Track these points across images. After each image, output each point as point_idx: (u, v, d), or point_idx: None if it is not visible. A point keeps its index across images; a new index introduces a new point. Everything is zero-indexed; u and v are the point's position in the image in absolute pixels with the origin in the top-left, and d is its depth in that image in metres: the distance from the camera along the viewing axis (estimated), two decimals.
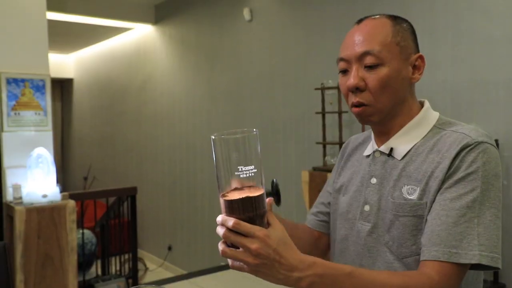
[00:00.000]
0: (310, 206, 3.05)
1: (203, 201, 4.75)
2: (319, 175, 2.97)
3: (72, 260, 3.03)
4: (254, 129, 0.80)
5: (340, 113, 3.00)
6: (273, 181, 1.09)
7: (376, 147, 1.06)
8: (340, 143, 3.00)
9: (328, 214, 1.19)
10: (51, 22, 3.66)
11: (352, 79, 0.98)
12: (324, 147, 3.13)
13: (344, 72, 1.01)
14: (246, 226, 0.76)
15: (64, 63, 7.76)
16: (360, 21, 1.03)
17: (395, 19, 1.00)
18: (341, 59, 1.01)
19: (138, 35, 5.82)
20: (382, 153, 1.04)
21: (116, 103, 6.51)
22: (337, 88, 2.99)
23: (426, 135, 0.99)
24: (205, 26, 4.64)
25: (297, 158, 3.60)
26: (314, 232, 1.20)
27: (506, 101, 2.37)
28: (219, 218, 0.79)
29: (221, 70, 4.46)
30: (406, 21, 1.02)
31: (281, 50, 3.76)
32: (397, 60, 0.97)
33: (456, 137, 0.93)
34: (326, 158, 3.11)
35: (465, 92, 2.53)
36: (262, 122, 3.95)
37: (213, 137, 0.78)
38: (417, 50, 1.02)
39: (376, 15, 1.02)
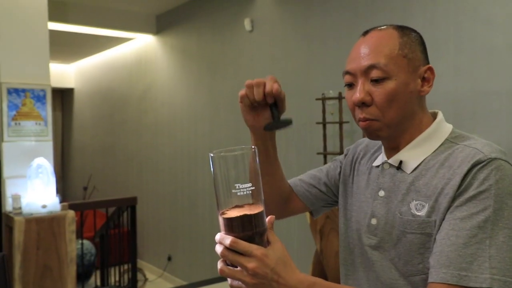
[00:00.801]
0: (310, 217, 3.03)
1: (203, 211, 4.73)
2: None
3: (71, 271, 3.01)
4: (253, 146, 0.79)
5: (341, 123, 2.99)
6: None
7: (385, 158, 1.03)
8: (341, 153, 2.99)
9: (316, 190, 1.19)
10: (52, 32, 3.67)
11: (358, 94, 0.95)
12: (325, 157, 3.12)
13: (350, 85, 0.98)
14: (244, 245, 0.75)
15: (65, 73, 7.78)
16: (366, 32, 0.99)
17: (402, 30, 0.97)
18: (347, 73, 0.98)
19: (139, 45, 5.84)
20: (391, 165, 1.00)
21: (116, 112, 6.51)
22: (338, 98, 2.99)
23: (437, 148, 0.95)
24: (206, 36, 4.65)
25: (298, 168, 3.59)
26: (293, 193, 1.19)
27: (508, 111, 2.36)
28: (217, 236, 0.78)
29: (222, 80, 4.46)
30: (415, 31, 0.99)
31: (282, 60, 3.76)
32: (404, 73, 0.93)
33: (468, 152, 0.89)
34: None
35: (467, 102, 2.52)
36: None
37: (212, 155, 0.78)
38: (426, 61, 0.98)
39: (383, 26, 0.99)
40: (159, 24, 5.40)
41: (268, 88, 1.00)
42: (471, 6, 2.50)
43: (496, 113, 2.41)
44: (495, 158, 0.86)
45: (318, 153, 3.16)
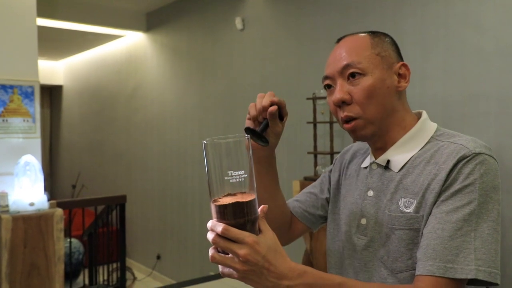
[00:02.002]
0: None
1: (193, 209, 4.71)
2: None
3: (59, 270, 2.98)
4: (246, 134, 0.80)
5: (331, 123, 3.00)
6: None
7: (373, 159, 1.05)
8: (332, 153, 3.00)
9: (313, 208, 1.18)
10: (41, 28, 3.63)
11: (337, 94, 0.98)
12: (316, 157, 3.13)
13: (329, 87, 1.02)
14: (235, 232, 0.75)
15: (53, 70, 7.71)
16: (339, 40, 1.05)
17: (373, 33, 1.02)
18: (326, 77, 1.02)
19: (129, 42, 5.80)
20: (379, 165, 1.02)
21: (106, 110, 6.47)
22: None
23: (423, 146, 0.98)
24: (197, 35, 4.63)
25: (288, 167, 3.59)
26: (293, 216, 1.19)
27: (497, 113, 2.38)
28: (209, 224, 0.79)
29: (213, 79, 4.45)
30: (386, 34, 1.03)
31: (273, 59, 3.76)
32: (379, 70, 0.97)
33: (453, 148, 0.91)
34: (318, 168, 3.10)
35: (456, 104, 2.54)
36: None
37: (205, 142, 0.78)
38: (400, 59, 1.02)
39: (355, 33, 1.03)
40: (149, 22, 5.37)
41: (258, 105, 1.04)
42: (461, 9, 2.52)
43: (485, 115, 2.43)
44: (479, 153, 0.88)
45: (309, 153, 3.17)
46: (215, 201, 0.78)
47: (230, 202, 0.77)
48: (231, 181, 0.77)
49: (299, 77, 3.52)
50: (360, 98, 0.96)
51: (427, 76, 2.65)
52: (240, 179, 0.77)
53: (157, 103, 5.28)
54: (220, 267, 0.79)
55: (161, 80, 5.21)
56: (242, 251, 0.75)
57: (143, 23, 5.40)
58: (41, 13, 4.07)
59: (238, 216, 0.77)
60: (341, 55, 0.99)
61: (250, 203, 0.78)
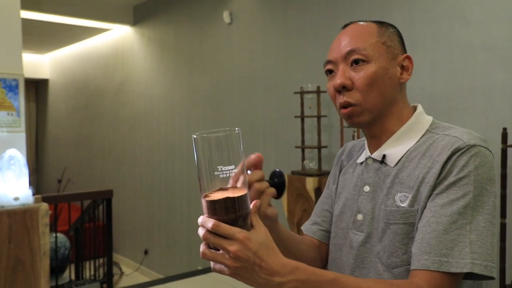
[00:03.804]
0: (288, 210, 3.05)
1: (181, 204, 4.70)
2: (297, 179, 2.96)
3: (44, 265, 2.95)
4: (236, 128, 0.78)
5: (319, 117, 3.00)
6: (275, 171, 1.05)
7: (369, 154, 1.03)
8: (319, 147, 3.00)
9: (327, 222, 1.16)
10: (25, 21, 3.58)
11: (338, 78, 0.96)
12: (303, 151, 3.13)
13: (331, 72, 1.00)
14: (226, 228, 0.74)
15: (39, 63, 7.61)
16: (346, 25, 1.02)
17: (381, 23, 1.00)
18: (328, 62, 1.00)
19: (116, 36, 5.75)
20: (375, 160, 1.01)
21: (92, 104, 6.41)
22: (317, 92, 2.99)
23: (419, 140, 0.97)
24: (184, 28, 4.60)
25: (276, 162, 3.59)
26: (314, 240, 1.17)
27: (482, 107, 2.40)
28: (200, 219, 0.77)
29: (200, 73, 4.43)
30: (393, 26, 1.02)
31: (261, 53, 3.75)
32: (383, 59, 0.95)
33: (448, 140, 0.90)
34: (305, 162, 3.11)
35: (443, 98, 2.56)
36: (242, 126, 3.93)
37: (195, 136, 0.76)
38: (404, 51, 1.01)
39: (362, 21, 1.02)
40: (136, 15, 5.32)
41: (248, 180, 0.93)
42: (448, 4, 2.53)
43: (471, 109, 2.45)
44: (474, 145, 0.87)
45: (297, 147, 3.17)
46: (205, 196, 0.77)
47: (221, 197, 0.75)
48: (221, 176, 0.75)
49: (287, 71, 3.52)
50: (361, 85, 0.94)
51: (414, 70, 2.65)
52: (230, 174, 0.76)
53: (145, 97, 5.25)
54: (211, 263, 0.78)
55: (149, 74, 5.17)
56: (232, 247, 0.73)
57: (130, 17, 5.35)
58: (26, 6, 4.01)
59: (229, 211, 0.75)
60: (346, 40, 0.97)
61: (241, 198, 0.76)
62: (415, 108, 1.03)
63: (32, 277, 2.91)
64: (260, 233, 0.77)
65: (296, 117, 3.15)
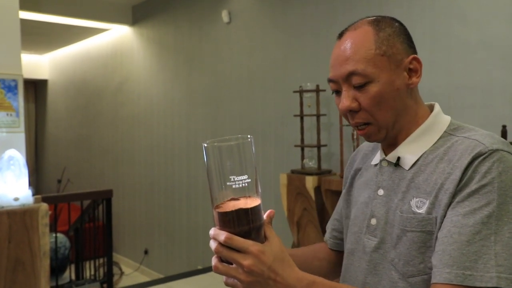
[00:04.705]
0: (288, 208, 3.05)
1: (180, 204, 4.70)
2: (297, 178, 2.96)
3: (44, 265, 2.95)
4: (249, 136, 0.74)
5: (318, 116, 3.00)
6: None
7: (383, 155, 0.97)
8: (319, 146, 3.01)
9: (337, 230, 1.14)
10: (24, 22, 3.58)
11: (344, 102, 0.91)
12: (303, 150, 3.13)
13: (337, 92, 0.94)
14: (239, 241, 0.72)
15: (38, 64, 7.61)
16: (341, 35, 0.95)
17: (378, 24, 0.92)
18: (330, 80, 0.95)
19: (115, 36, 5.75)
20: (389, 162, 0.96)
21: (92, 104, 6.41)
22: (316, 91, 2.99)
23: (436, 142, 0.90)
24: (183, 28, 4.60)
25: (275, 160, 3.59)
26: (333, 251, 1.15)
27: (482, 105, 2.41)
28: (212, 231, 0.75)
29: (199, 72, 4.43)
30: (392, 23, 0.94)
31: (260, 52, 3.75)
32: (386, 72, 0.89)
33: (468, 144, 0.84)
34: (305, 161, 3.11)
35: (442, 97, 2.56)
36: (241, 125, 3.93)
37: (205, 145, 0.73)
38: (409, 51, 0.93)
39: (358, 22, 0.94)
40: (135, 15, 5.31)
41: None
42: (447, 2, 2.53)
43: (470, 107, 2.45)
44: (496, 150, 0.81)
45: (296, 146, 3.17)
46: (217, 207, 0.74)
47: (233, 209, 0.72)
48: (233, 186, 0.72)
49: (286, 70, 3.52)
50: (368, 106, 0.89)
51: None
52: (243, 184, 0.72)
53: (144, 97, 5.25)
54: (223, 277, 0.76)
55: (148, 74, 5.17)
56: (246, 261, 0.71)
57: (129, 17, 5.34)
58: (24, 6, 4.00)
59: (242, 223, 0.72)
60: (344, 58, 0.90)
61: (254, 210, 0.73)
62: (431, 107, 0.98)
63: (32, 277, 2.91)
64: (274, 245, 0.75)
65: (295, 116, 3.15)
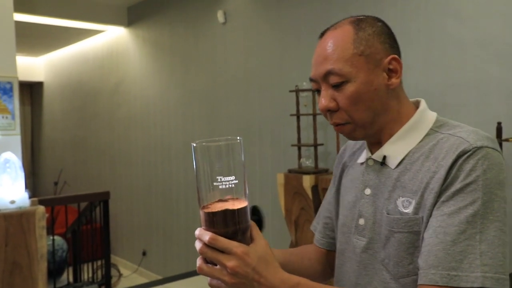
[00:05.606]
0: (286, 208, 3.05)
1: (178, 205, 4.69)
2: (294, 177, 2.96)
3: (42, 268, 2.94)
4: (238, 137, 0.75)
5: (314, 115, 3.00)
6: (254, 207, 1.03)
7: (369, 154, 0.97)
8: (315, 145, 3.01)
9: (329, 229, 1.13)
10: (19, 24, 3.56)
11: (322, 102, 0.91)
12: (299, 149, 3.13)
13: (318, 91, 0.94)
14: (223, 242, 0.72)
15: (33, 66, 7.58)
16: (322, 34, 0.95)
17: (358, 24, 0.91)
18: (311, 80, 0.95)
19: (110, 37, 5.73)
20: (375, 161, 0.95)
21: (88, 106, 6.39)
22: (312, 90, 3.00)
23: (422, 140, 0.90)
24: (179, 29, 4.59)
25: (272, 160, 3.59)
26: (322, 249, 1.14)
27: (476, 103, 2.41)
28: (197, 232, 0.74)
29: (195, 73, 4.42)
30: (374, 22, 0.92)
31: (256, 52, 3.75)
32: (364, 72, 0.88)
33: (453, 142, 0.84)
34: (301, 160, 3.11)
35: (437, 95, 2.57)
36: (238, 125, 3.93)
37: (194, 145, 0.73)
38: (390, 51, 0.91)
39: (340, 21, 0.94)
40: (131, 16, 5.30)
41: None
42: (441, 0, 2.54)
43: (465, 105, 2.46)
44: (481, 147, 0.81)
45: (293, 145, 3.17)
46: (204, 207, 0.74)
47: (220, 209, 0.72)
48: (220, 187, 0.72)
49: (282, 70, 3.52)
50: (345, 105, 0.89)
51: (408, 67, 2.67)
52: (230, 185, 0.72)
53: (140, 98, 5.24)
54: (208, 278, 0.76)
55: (144, 75, 5.16)
56: (230, 263, 0.71)
57: (124, 18, 5.33)
58: (19, 8, 3.99)
59: (228, 224, 0.72)
60: (322, 57, 0.90)
61: (241, 211, 0.73)
62: (417, 103, 0.97)
63: (29, 280, 2.90)
64: (259, 247, 0.75)
65: (291, 115, 3.15)
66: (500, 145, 2.11)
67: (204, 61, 4.30)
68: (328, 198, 1.15)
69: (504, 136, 2.16)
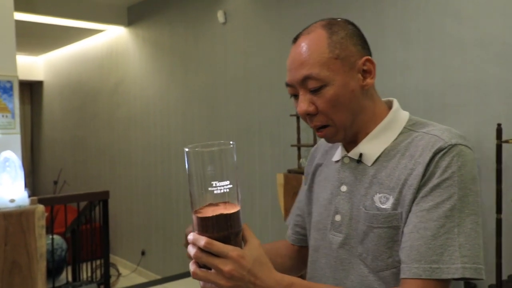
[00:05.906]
0: (285, 208, 3.05)
1: (177, 204, 4.69)
2: (294, 177, 2.96)
3: (41, 267, 2.94)
4: (231, 142, 0.75)
5: None
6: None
7: (345, 152, 1.00)
8: (315, 145, 3.00)
9: (300, 226, 1.16)
10: (19, 23, 3.56)
11: (301, 107, 0.92)
12: (299, 149, 3.13)
13: (295, 96, 0.96)
14: (219, 246, 0.72)
15: (33, 65, 7.58)
16: (295, 39, 0.96)
17: (331, 27, 0.92)
18: (287, 85, 0.96)
19: (110, 37, 5.73)
20: (351, 159, 0.97)
21: (88, 105, 6.39)
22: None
23: (396, 138, 0.93)
24: (179, 29, 4.59)
25: (272, 160, 3.59)
26: (294, 246, 1.16)
27: (476, 103, 2.41)
28: (190, 237, 0.75)
29: (195, 73, 4.42)
30: (345, 25, 0.94)
31: (256, 52, 3.75)
32: (340, 75, 0.90)
33: (428, 140, 0.87)
34: (301, 160, 3.11)
35: (437, 94, 2.57)
36: (238, 125, 3.93)
37: (187, 150, 0.73)
38: (363, 53, 0.93)
39: (311, 26, 0.95)
40: (131, 16, 5.30)
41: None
42: (441, 0, 2.54)
43: (465, 105, 2.46)
44: (455, 144, 0.85)
45: (292, 145, 3.17)
46: (196, 212, 0.74)
47: (213, 214, 0.73)
48: (215, 192, 0.73)
49: (281, 70, 3.52)
50: (324, 109, 0.91)
51: (408, 67, 2.67)
52: (225, 190, 0.73)
53: (140, 98, 5.24)
54: (201, 282, 0.76)
55: (144, 75, 5.16)
56: (227, 267, 0.72)
57: (124, 18, 5.33)
58: (19, 7, 3.99)
59: (222, 229, 0.73)
60: (298, 62, 0.92)
61: (234, 215, 0.74)
62: (389, 103, 1.00)
63: (29, 279, 2.90)
64: (253, 249, 0.76)
65: (291, 115, 3.15)
66: (500, 146, 2.11)
67: (204, 61, 4.30)
68: (300, 197, 1.18)
69: (504, 138, 2.16)
